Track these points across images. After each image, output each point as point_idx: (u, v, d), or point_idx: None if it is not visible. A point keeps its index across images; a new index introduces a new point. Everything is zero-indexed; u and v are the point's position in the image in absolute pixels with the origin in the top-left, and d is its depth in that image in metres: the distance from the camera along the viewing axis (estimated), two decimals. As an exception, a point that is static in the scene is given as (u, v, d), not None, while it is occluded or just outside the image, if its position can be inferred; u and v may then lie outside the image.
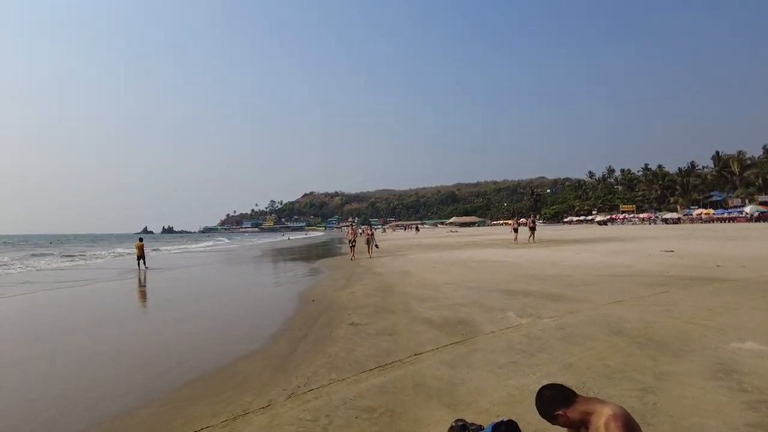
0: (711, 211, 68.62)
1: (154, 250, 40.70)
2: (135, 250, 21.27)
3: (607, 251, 18.18)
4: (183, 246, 56.04)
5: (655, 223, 73.94)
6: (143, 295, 13.69)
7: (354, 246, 22.80)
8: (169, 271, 20.96)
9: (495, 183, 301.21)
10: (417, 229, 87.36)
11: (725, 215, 62.41)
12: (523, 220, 34.30)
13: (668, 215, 73.92)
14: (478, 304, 8.60)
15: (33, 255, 36.29)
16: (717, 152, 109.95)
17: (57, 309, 11.38)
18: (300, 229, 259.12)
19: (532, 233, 29.63)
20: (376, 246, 23.96)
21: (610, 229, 52.93)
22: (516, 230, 31.57)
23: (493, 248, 24.20)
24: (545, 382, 3.32)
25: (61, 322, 9.53)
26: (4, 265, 25.98)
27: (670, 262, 13.98)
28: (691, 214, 71.29)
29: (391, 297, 10.00)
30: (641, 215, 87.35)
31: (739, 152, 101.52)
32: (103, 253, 38.28)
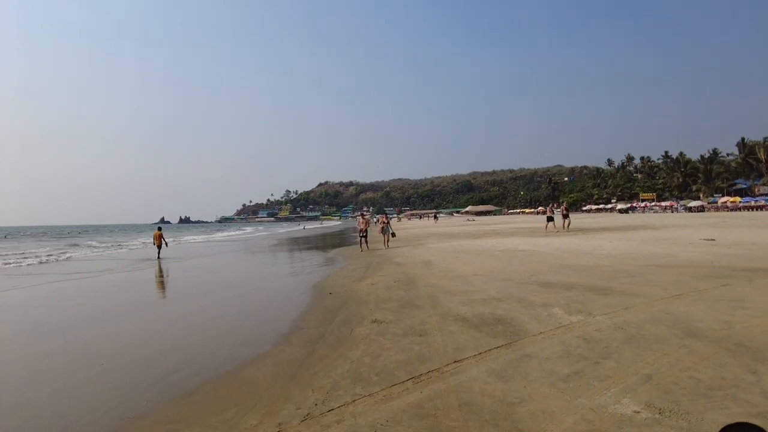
0: (738, 199, 66.19)
1: (174, 241, 40.14)
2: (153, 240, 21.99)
3: (642, 240, 17.01)
4: (204, 236, 55.63)
5: (678, 212, 71.78)
6: (151, 287, 13.00)
7: (365, 237, 20.67)
8: (185, 261, 20.32)
9: (511, 171, 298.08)
10: (435, 217, 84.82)
11: (753, 203, 60.09)
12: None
13: (692, 203, 71.55)
14: (516, 298, 7.65)
15: (72, 245, 37.75)
16: (742, 138, 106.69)
17: (54, 302, 10.71)
18: (315, 218, 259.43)
19: (566, 221, 28.17)
20: (393, 234, 21.98)
21: (634, 217, 51.20)
22: (551, 218, 28.42)
23: (516, 237, 23.11)
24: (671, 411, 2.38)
25: (53, 318, 8.81)
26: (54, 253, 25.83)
27: (716, 251, 12.82)
28: (716, 203, 68.93)
29: (415, 290, 9.09)
30: (663, 203, 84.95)
31: (766, 138, 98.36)
32: (136, 243, 38.58)
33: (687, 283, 8.20)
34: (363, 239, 20.55)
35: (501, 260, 12.94)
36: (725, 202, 67.26)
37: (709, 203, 70.17)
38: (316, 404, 3.80)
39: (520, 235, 24.28)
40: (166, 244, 21.85)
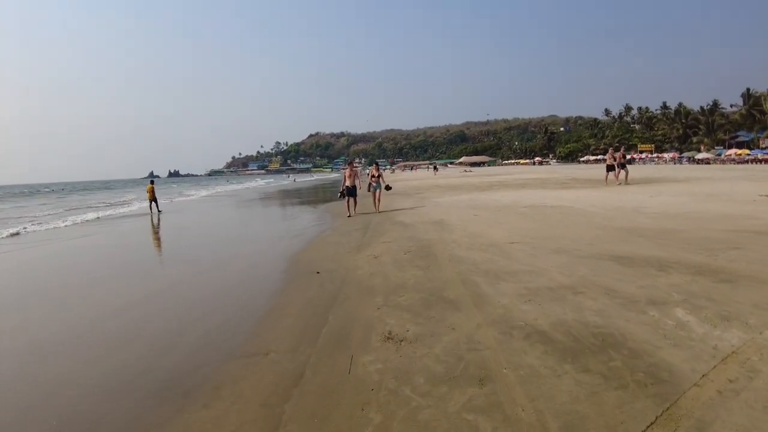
0: (746, 151, 63.48)
1: (169, 200, 36.64)
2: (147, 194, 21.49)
3: (690, 195, 14.38)
4: (194, 190, 51.49)
5: (681, 164, 69.35)
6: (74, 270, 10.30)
7: (354, 196, 14.33)
8: (164, 221, 17.54)
9: (505, 121, 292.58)
10: (435, 168, 77.72)
11: (765, 156, 57.52)
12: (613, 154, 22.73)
13: (699, 155, 68.91)
14: (598, 287, 5.04)
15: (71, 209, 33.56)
16: (747, 89, 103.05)
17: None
18: (306, 170, 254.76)
19: (623, 171, 21.75)
20: (388, 187, 15.79)
21: (643, 169, 48.63)
22: (612, 167, 22.03)
23: (529, 189, 20.45)
24: None
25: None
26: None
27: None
28: (722, 155, 66.32)
29: (438, 268, 6.45)
30: (665, 155, 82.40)
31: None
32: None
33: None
34: (351, 200, 14.22)
35: (534, 221, 10.30)
36: (731, 155, 64.68)
37: (717, 155, 67.55)
38: None
39: (532, 187, 21.65)
40: (158, 206, 21.41)
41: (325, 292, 5.65)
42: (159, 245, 11.95)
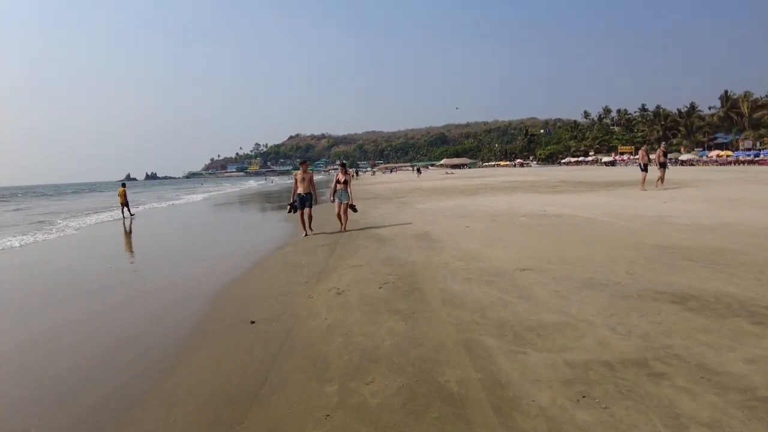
0: (729, 152, 63.11)
1: (136, 207, 33.95)
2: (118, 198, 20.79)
3: (708, 200, 12.61)
4: (171, 194, 48.54)
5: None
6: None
7: (308, 208, 10.46)
8: (97, 237, 15.20)
9: (485, 124, 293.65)
10: (419, 171, 70.66)
11: (746, 158, 57.08)
12: (650, 152, 19.93)
13: (682, 157, 68.34)
14: (680, 359, 3.10)
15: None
16: (726, 92, 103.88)
17: None
18: (286, 173, 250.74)
19: (663, 171, 17.58)
20: (353, 207, 10.92)
21: (631, 171, 47.49)
22: (645, 167, 17.92)
23: (521, 193, 18.61)
24: None
25: None
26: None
27: None
28: (704, 157, 65.92)
29: (428, 317, 4.40)
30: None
31: (746, 92, 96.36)
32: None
33: None
34: (304, 213, 10.48)
35: (541, 235, 8.35)
36: (712, 156, 64.32)
37: (699, 157, 67.16)
38: None
39: (524, 191, 19.83)
40: (130, 210, 20.62)
41: (250, 372, 3.54)
42: (75, 268, 9.70)
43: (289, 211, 10.83)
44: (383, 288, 5.45)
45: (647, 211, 10.74)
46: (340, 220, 10.79)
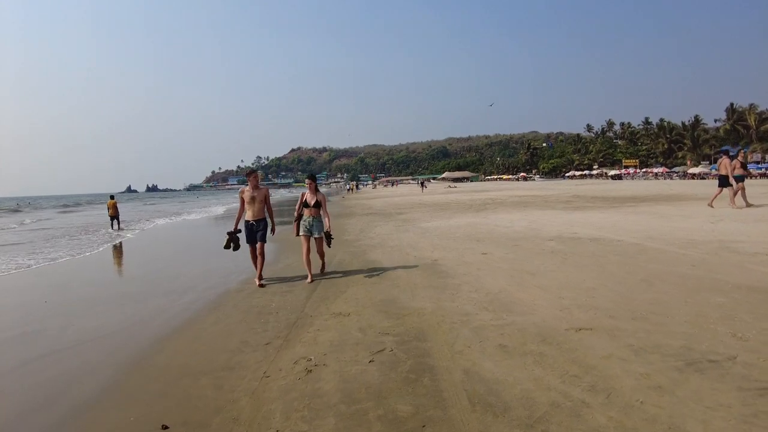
0: (740, 165, 61.28)
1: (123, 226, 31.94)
2: (108, 209, 20.05)
3: (762, 219, 10.82)
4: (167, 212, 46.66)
5: (671, 178, 67.08)
6: None
7: (259, 242, 6.99)
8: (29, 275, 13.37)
9: (487, 137, 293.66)
10: (423, 185, 65.67)
11: (758, 171, 55.36)
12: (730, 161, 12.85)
13: (694, 170, 66.49)
14: None
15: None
16: (731, 104, 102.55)
17: None
18: (287, 185, 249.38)
19: (739, 185, 13.55)
20: (328, 237, 7.10)
21: (647, 185, 45.64)
22: (726, 181, 13.78)
23: (536, 210, 16.79)
24: None
25: None
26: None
27: None
28: (715, 170, 64.08)
29: None
30: (654, 170, 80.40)
31: (751, 105, 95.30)
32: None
33: None
34: (255, 249, 7.09)
35: (582, 268, 6.51)
36: (728, 168, 62.43)
37: (709, 171, 65.41)
38: None
39: (537, 207, 18.03)
40: (119, 224, 20.02)
41: None
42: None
43: (227, 246, 7.05)
44: (376, 362, 3.63)
45: (699, 234, 8.91)
46: (309, 267, 6.91)
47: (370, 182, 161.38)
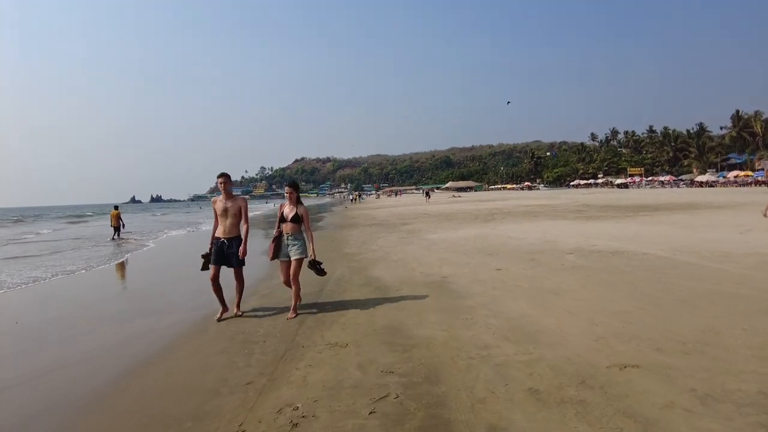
0: (750, 173, 60.44)
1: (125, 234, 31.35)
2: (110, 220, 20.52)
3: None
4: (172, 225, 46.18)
5: (678, 187, 66.24)
6: None
7: (235, 266, 5.72)
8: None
9: (490, 147, 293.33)
10: (427, 194, 63.91)
11: (765, 179, 54.49)
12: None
13: (702, 177, 65.57)
14: None
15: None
16: (737, 111, 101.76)
17: None
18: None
19: None
20: (318, 267, 5.67)
21: (658, 193, 44.85)
22: None
23: (547, 220, 16.08)
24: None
25: None
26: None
27: None
28: (724, 177, 63.25)
29: None
30: (660, 178, 79.55)
31: (757, 112, 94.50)
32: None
33: None
34: (214, 279, 5.63)
35: (609, 286, 5.80)
36: (731, 177, 61.66)
37: (717, 178, 64.50)
38: None
39: (547, 217, 17.33)
40: (123, 225, 20.60)
41: None
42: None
43: (204, 268, 5.84)
44: (377, 413, 2.93)
45: (731, 245, 8.19)
46: (293, 296, 5.62)
47: (373, 192, 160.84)
